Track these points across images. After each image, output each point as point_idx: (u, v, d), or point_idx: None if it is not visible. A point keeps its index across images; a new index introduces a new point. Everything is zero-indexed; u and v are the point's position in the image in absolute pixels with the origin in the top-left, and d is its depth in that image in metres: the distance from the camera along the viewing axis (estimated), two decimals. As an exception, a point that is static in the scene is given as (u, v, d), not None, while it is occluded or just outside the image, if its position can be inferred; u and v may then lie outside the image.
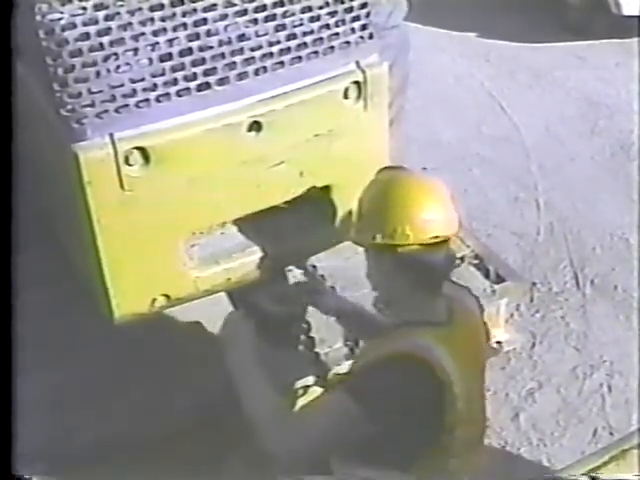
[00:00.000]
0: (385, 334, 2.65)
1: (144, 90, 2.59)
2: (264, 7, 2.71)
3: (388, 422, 2.47)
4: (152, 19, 2.56)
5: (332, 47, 2.86)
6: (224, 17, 2.66)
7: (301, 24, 2.78)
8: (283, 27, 2.75)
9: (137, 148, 2.63)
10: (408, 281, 2.57)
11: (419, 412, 2.47)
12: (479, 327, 2.78)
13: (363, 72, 2.92)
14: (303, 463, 2.65)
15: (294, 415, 2.86)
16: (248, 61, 2.72)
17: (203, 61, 2.64)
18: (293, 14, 2.76)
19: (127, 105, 2.58)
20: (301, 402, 3.18)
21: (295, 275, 3.53)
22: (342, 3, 2.83)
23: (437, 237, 2.54)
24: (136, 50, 2.57)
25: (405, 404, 2.45)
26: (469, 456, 2.68)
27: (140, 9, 2.54)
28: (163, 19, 2.58)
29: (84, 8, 2.48)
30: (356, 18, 2.87)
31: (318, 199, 3.06)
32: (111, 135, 2.59)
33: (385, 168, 2.75)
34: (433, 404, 2.48)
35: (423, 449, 2.50)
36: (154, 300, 2.91)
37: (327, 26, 2.83)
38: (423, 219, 2.52)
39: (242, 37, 2.70)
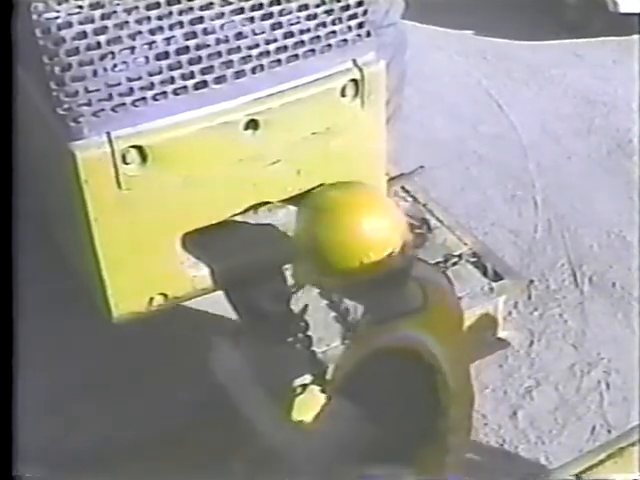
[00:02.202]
0: (364, 333, 2.62)
1: (141, 89, 2.59)
2: (261, 5, 2.70)
3: (388, 417, 2.46)
4: (149, 17, 2.56)
5: (329, 45, 2.85)
6: (221, 15, 2.65)
7: (298, 22, 2.78)
8: (280, 25, 2.75)
9: (134, 147, 2.63)
10: (372, 290, 2.53)
11: (416, 400, 2.46)
12: (454, 302, 2.80)
13: (360, 70, 2.92)
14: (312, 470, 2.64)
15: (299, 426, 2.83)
16: (245, 59, 2.71)
17: (200, 59, 2.64)
18: (290, 12, 2.76)
19: (124, 104, 2.58)
20: (299, 401, 3.19)
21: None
22: (339, 1, 2.83)
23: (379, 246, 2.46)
24: (133, 49, 2.56)
25: (401, 396, 2.43)
26: (463, 437, 2.69)
27: (136, 7, 2.54)
28: (160, 17, 2.57)
29: (80, 7, 2.47)
30: (353, 16, 2.87)
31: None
32: (108, 134, 2.58)
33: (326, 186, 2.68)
34: (427, 389, 2.46)
35: (425, 438, 2.49)
36: (152, 299, 2.91)
37: (324, 24, 2.82)
38: (381, 246, 2.44)
39: (239, 35, 2.69)
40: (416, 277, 2.62)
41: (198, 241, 2.92)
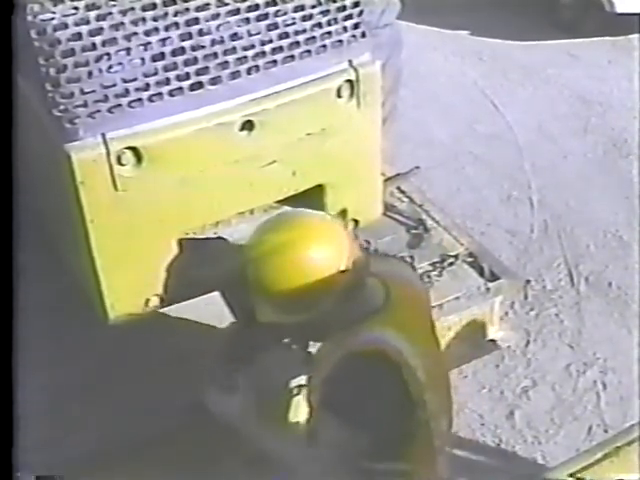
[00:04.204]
0: (332, 341, 2.62)
1: (136, 90, 2.58)
2: (256, 6, 2.70)
3: (368, 418, 2.46)
4: (144, 19, 2.56)
5: (324, 46, 2.85)
6: (216, 16, 2.65)
7: (293, 23, 2.78)
8: (275, 26, 2.75)
9: (129, 148, 2.62)
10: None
11: (390, 397, 2.47)
12: (418, 291, 2.81)
13: (356, 71, 2.92)
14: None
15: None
16: (240, 60, 2.71)
17: (195, 60, 2.64)
18: (285, 13, 2.76)
19: (119, 105, 2.57)
20: (295, 401, 3.19)
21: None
22: (334, 2, 2.83)
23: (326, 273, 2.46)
24: (128, 50, 2.56)
25: (375, 395, 2.45)
26: (444, 424, 2.70)
27: (132, 9, 2.54)
28: (155, 19, 2.57)
29: (76, 8, 2.47)
30: (348, 17, 2.87)
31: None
32: (103, 135, 2.58)
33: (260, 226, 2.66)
34: (398, 385, 2.46)
35: (406, 432, 2.50)
36: (148, 300, 2.90)
37: (319, 25, 2.82)
38: (304, 263, 2.45)
39: (234, 36, 2.69)
40: (377, 273, 2.63)
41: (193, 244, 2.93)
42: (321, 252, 2.48)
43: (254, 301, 2.61)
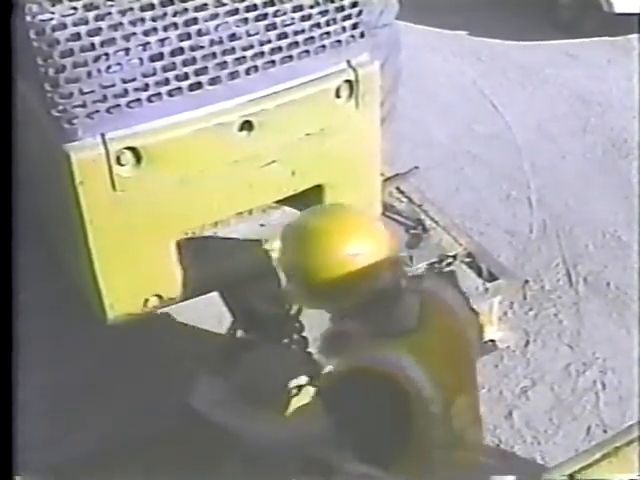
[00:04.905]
0: (352, 349, 2.61)
1: (135, 90, 2.59)
2: (255, 6, 2.70)
3: (356, 431, 2.47)
4: (143, 19, 2.56)
5: (323, 46, 2.85)
6: (215, 16, 2.65)
7: (292, 23, 2.78)
8: (274, 26, 2.75)
9: (129, 148, 2.62)
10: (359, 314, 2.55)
11: (385, 420, 2.46)
12: (458, 321, 2.71)
13: (354, 71, 2.92)
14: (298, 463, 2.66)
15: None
16: (239, 60, 2.71)
17: (194, 61, 2.64)
18: (284, 13, 2.76)
19: (118, 105, 2.58)
20: (295, 402, 3.19)
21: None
22: (333, 2, 2.83)
23: (365, 270, 2.49)
24: (127, 50, 2.56)
25: (370, 413, 2.44)
26: (462, 453, 2.66)
27: (131, 9, 2.54)
28: (154, 19, 2.57)
29: (74, 8, 2.47)
30: (347, 17, 2.87)
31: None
32: (102, 135, 2.58)
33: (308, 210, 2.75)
34: (399, 411, 2.45)
35: (396, 452, 2.49)
36: (146, 300, 2.91)
37: (318, 25, 2.82)
38: (345, 256, 2.48)
39: (233, 36, 2.69)
40: (419, 291, 2.63)
41: (192, 243, 2.93)
42: (363, 245, 2.51)
43: (289, 282, 2.65)
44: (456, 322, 2.69)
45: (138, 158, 2.65)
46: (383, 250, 2.54)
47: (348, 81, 2.92)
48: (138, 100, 2.60)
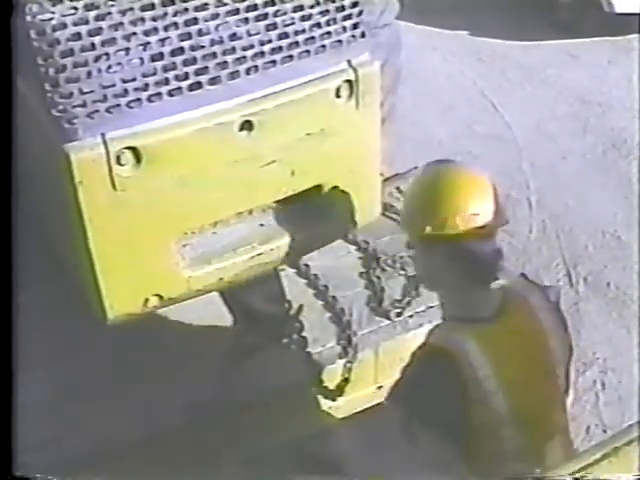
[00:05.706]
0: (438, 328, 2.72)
1: (135, 90, 2.58)
2: (255, 6, 2.70)
3: (415, 415, 2.56)
4: (143, 19, 2.55)
5: (324, 46, 2.85)
6: (215, 16, 2.65)
7: (292, 23, 2.77)
8: (274, 26, 2.75)
9: (129, 148, 2.62)
10: (457, 274, 2.63)
11: (443, 392, 2.53)
12: (538, 329, 2.73)
13: (355, 71, 2.92)
14: None
15: None
16: (239, 60, 2.71)
17: (194, 60, 2.64)
18: (284, 13, 2.76)
19: (118, 105, 2.57)
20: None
21: (288, 274, 3.53)
22: (333, 2, 2.83)
23: (484, 227, 2.60)
24: (127, 50, 2.56)
25: (429, 397, 2.53)
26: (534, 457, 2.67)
27: (131, 9, 2.54)
28: (154, 19, 2.57)
29: (75, 8, 2.47)
30: (348, 17, 2.87)
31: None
32: (102, 135, 2.58)
33: (432, 162, 2.82)
34: (457, 398, 2.52)
35: (458, 426, 2.55)
36: (147, 300, 2.90)
37: (318, 25, 2.82)
38: (471, 210, 2.58)
39: (233, 36, 2.69)
40: (505, 288, 2.73)
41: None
42: (484, 206, 2.62)
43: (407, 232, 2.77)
44: (536, 327, 2.73)
45: (138, 158, 2.65)
46: (499, 216, 2.66)
47: (348, 81, 2.92)
48: (138, 100, 2.60)
